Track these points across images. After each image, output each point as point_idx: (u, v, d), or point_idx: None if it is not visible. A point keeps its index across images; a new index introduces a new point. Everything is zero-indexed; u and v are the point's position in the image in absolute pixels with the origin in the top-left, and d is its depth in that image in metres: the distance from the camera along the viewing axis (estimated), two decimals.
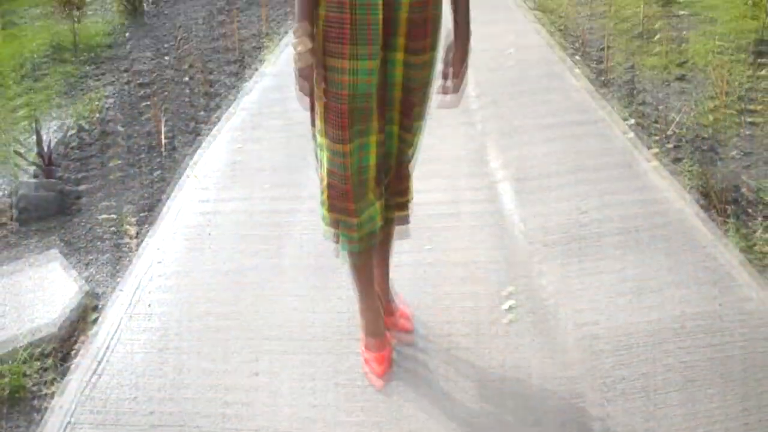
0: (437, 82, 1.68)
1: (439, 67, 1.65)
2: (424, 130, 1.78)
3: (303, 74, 1.49)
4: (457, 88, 1.64)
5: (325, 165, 1.63)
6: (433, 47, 1.62)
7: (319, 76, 1.53)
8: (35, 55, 5.18)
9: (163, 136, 3.60)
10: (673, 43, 4.43)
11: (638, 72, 4.05)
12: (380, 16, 1.48)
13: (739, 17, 4.35)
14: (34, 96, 4.34)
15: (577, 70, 4.13)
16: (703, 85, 3.70)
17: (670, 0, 5.40)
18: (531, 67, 4.22)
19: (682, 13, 5.15)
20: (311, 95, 1.59)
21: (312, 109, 1.65)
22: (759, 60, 3.90)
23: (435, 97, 1.69)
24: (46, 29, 5.96)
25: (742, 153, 3.06)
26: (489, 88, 3.90)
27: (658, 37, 4.51)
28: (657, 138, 3.25)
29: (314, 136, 1.68)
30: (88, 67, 4.89)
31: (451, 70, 1.61)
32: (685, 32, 4.66)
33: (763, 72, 3.76)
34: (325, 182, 1.66)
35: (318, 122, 1.62)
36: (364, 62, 1.51)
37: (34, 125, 3.57)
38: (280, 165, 3.17)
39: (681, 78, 3.86)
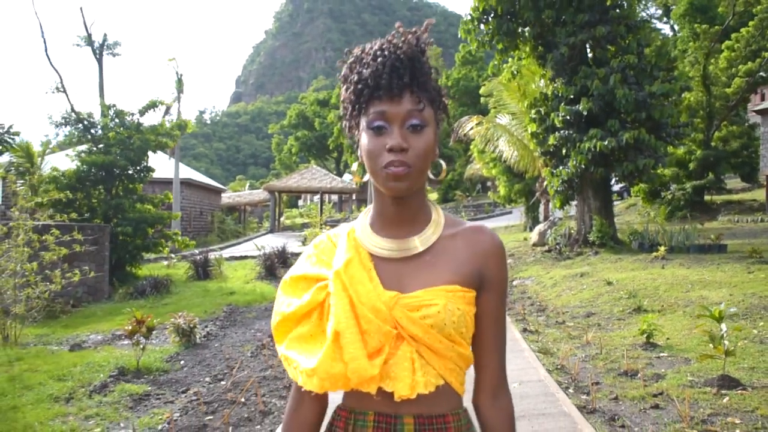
0: None
1: None
2: None
3: None
4: None
5: None
6: None
7: None
8: (102, 375, 6.07)
9: None
10: (652, 379, 5.15)
11: (620, 402, 4.69)
12: None
13: (707, 357, 5.12)
14: (103, 409, 5.06)
15: (568, 401, 4.79)
16: (674, 412, 4.30)
17: (654, 345, 6.28)
18: (529, 397, 4.92)
19: (662, 354, 5.97)
20: None
21: None
22: (721, 391, 4.57)
23: None
24: (109, 353, 7.01)
25: None
26: None
27: (640, 374, 5.24)
28: None
29: None
30: (149, 387, 5.70)
31: None
32: (663, 370, 5.41)
33: (724, 401, 4.39)
34: None
35: None
36: None
37: None
38: None
39: (656, 407, 4.48)
